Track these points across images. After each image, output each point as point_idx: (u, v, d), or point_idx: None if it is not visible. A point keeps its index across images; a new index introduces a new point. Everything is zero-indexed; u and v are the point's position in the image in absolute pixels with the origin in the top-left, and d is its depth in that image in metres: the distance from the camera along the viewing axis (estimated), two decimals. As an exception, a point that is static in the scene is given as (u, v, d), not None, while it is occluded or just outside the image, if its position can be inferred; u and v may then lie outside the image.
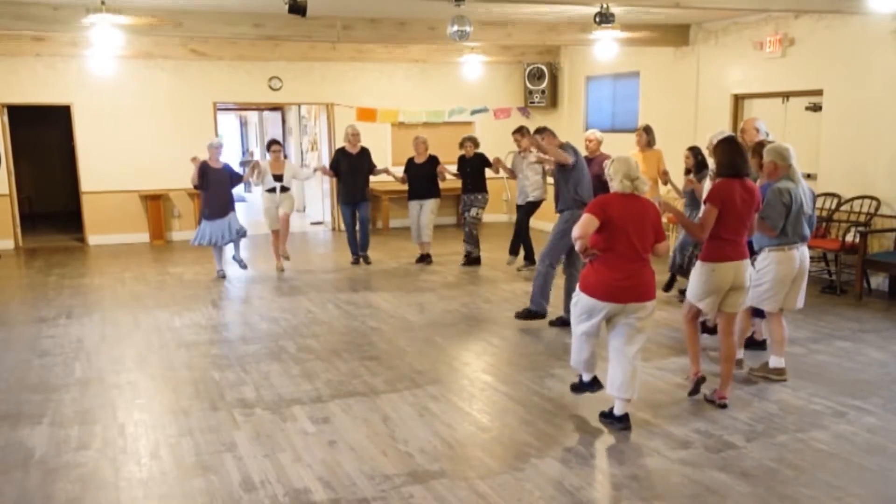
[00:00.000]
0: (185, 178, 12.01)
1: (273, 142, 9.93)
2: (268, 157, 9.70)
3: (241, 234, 9.36)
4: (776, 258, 5.12)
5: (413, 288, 8.65)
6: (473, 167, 9.74)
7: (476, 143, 9.88)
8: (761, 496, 3.78)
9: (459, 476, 4.02)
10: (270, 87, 12.48)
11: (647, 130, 8.74)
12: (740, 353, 5.50)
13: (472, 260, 9.86)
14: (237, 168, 20.77)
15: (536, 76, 13.34)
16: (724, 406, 4.88)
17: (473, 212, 9.75)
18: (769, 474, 4.01)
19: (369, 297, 8.22)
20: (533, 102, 13.46)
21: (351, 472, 4.07)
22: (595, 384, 4.83)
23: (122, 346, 6.50)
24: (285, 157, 10.59)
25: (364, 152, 10.01)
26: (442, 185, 10.07)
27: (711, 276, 4.76)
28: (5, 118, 11.46)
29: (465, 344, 6.55)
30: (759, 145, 5.48)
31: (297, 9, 6.64)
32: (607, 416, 4.65)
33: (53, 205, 15.06)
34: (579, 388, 4.92)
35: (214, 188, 9.12)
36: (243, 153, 21.33)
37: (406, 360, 6.04)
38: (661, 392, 5.22)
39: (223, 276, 9.41)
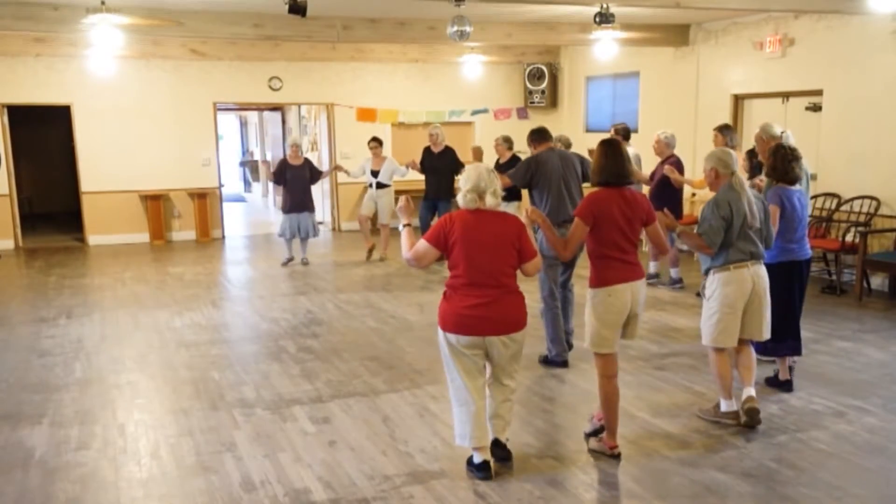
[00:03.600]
0: (185, 178, 12.18)
1: (372, 139, 10.34)
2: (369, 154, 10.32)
3: (309, 235, 9.88)
4: (723, 279, 4.47)
5: (413, 288, 8.64)
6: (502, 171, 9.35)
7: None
8: (761, 496, 3.78)
9: (459, 476, 4.02)
10: (270, 87, 12.48)
11: (724, 130, 7.69)
12: (751, 391, 4.66)
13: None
14: (239, 170, 20.91)
15: (536, 76, 13.34)
16: (616, 456, 4.19)
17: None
18: (769, 474, 4.01)
19: (369, 297, 8.22)
20: (533, 103, 13.46)
21: (351, 472, 4.07)
22: (484, 469, 3.96)
23: (122, 346, 6.50)
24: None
25: (447, 152, 10.06)
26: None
27: (608, 301, 4.08)
28: (5, 118, 11.46)
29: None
30: (777, 147, 5.11)
31: (297, 9, 6.65)
32: (468, 463, 4.05)
33: (53, 205, 15.06)
34: (469, 464, 4.05)
35: (292, 184, 9.77)
36: (243, 153, 21.35)
37: (406, 360, 6.04)
38: (661, 392, 5.22)
39: (287, 263, 9.94)
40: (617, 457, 4.19)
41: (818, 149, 8.66)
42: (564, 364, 5.77)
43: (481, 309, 3.80)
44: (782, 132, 5.76)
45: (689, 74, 10.54)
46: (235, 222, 14.17)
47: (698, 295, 7.83)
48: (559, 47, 12.99)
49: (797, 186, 5.14)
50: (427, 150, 10.16)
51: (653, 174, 8.34)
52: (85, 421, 4.85)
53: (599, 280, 4.12)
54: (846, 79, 8.37)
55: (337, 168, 10.61)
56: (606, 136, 8.58)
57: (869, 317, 7.14)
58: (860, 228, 7.81)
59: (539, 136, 6.11)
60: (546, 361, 5.81)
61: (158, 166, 12.00)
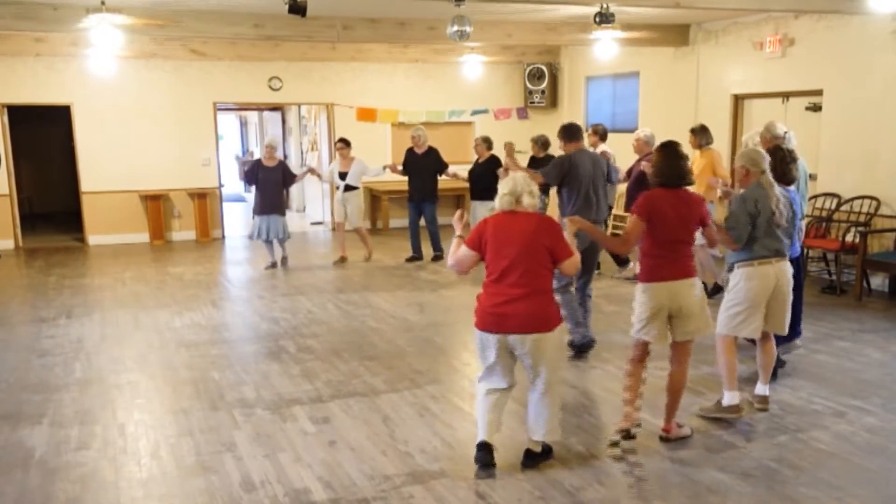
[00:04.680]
0: (185, 178, 12.20)
1: (339, 139, 10.18)
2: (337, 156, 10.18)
3: (282, 238, 9.72)
4: (746, 274, 4.60)
5: (413, 288, 8.65)
6: (537, 167, 9.11)
7: (545, 144, 9.23)
8: (761, 496, 3.79)
9: (459, 476, 4.02)
10: (270, 87, 12.48)
11: (696, 132, 7.90)
12: (766, 391, 4.92)
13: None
14: (232, 167, 20.89)
15: (536, 76, 13.34)
16: (666, 440, 4.41)
17: None
18: (769, 474, 4.01)
19: (369, 297, 8.21)
20: (533, 102, 13.46)
21: (351, 472, 4.08)
22: (484, 453, 4.02)
23: (122, 346, 6.50)
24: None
25: (430, 153, 10.02)
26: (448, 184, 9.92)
27: (644, 297, 4.28)
28: (5, 118, 11.46)
29: (465, 344, 6.54)
30: (776, 148, 5.15)
31: (297, 9, 6.65)
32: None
33: (53, 205, 15.05)
34: (477, 450, 4.11)
35: (263, 185, 9.60)
36: (243, 153, 21.35)
37: (406, 360, 6.05)
38: (662, 391, 5.20)
39: (270, 268, 9.78)
40: (664, 440, 4.40)
41: (818, 149, 8.66)
42: (591, 345, 6.00)
43: (505, 307, 3.88)
44: (785, 132, 5.81)
45: (689, 74, 10.54)
46: (235, 222, 14.15)
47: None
48: (559, 47, 12.99)
49: (793, 187, 5.24)
50: (410, 152, 10.09)
51: (630, 170, 8.42)
52: (85, 421, 4.85)
53: (642, 276, 4.36)
54: (846, 79, 8.37)
55: (311, 171, 10.45)
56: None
57: (869, 317, 7.14)
58: (860, 228, 7.81)
59: (570, 134, 6.08)
60: (572, 345, 5.96)
61: (158, 166, 12.00)
